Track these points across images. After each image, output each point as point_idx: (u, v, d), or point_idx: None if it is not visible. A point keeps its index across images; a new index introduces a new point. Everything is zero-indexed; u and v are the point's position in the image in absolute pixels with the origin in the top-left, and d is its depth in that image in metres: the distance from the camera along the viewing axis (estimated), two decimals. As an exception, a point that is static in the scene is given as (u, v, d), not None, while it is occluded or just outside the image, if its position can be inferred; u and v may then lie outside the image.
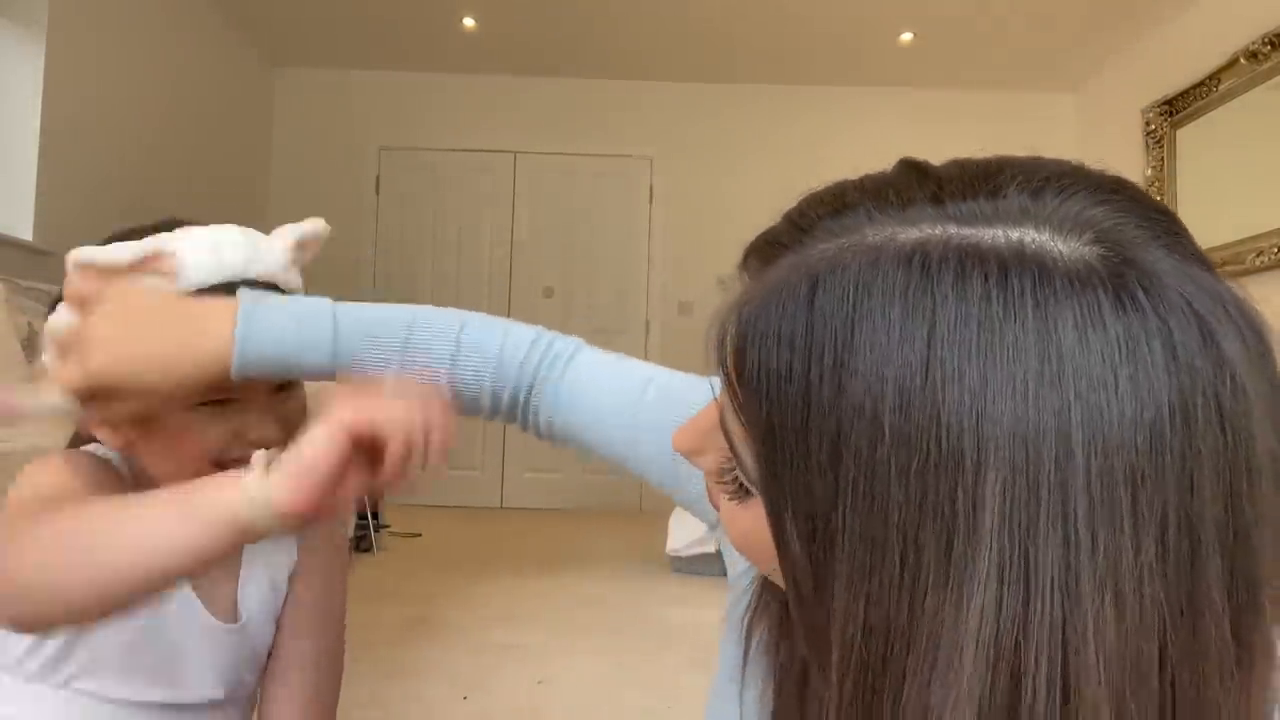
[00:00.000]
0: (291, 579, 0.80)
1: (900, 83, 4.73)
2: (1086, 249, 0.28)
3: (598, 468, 4.80)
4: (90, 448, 0.72)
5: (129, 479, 0.71)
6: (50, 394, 0.57)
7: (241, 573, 0.76)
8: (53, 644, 0.66)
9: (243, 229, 0.71)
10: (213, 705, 0.74)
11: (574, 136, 4.87)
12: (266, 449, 0.58)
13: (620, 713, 1.77)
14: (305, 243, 0.75)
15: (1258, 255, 3.39)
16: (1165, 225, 0.29)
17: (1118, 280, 0.27)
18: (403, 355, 0.62)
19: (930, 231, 0.29)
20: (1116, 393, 0.26)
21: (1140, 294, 0.27)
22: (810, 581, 0.30)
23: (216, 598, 0.73)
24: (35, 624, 0.56)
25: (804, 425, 0.29)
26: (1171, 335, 0.26)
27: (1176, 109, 3.95)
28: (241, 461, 0.64)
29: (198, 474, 0.64)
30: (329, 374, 0.62)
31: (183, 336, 0.58)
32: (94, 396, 0.58)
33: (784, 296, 0.30)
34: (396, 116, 4.84)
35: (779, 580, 0.34)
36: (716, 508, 0.41)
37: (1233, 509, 0.26)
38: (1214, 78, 3.68)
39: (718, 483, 0.38)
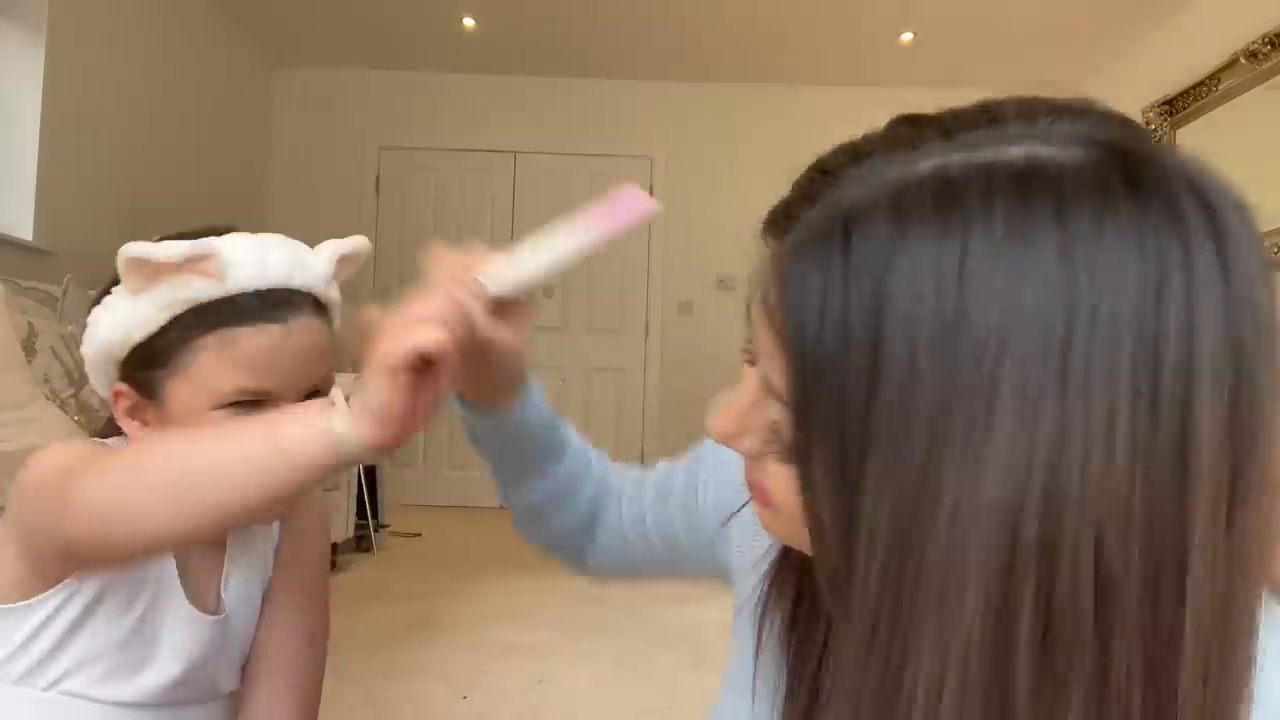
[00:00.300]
0: (275, 564, 0.81)
1: (900, 83, 4.73)
2: (1090, 151, 0.31)
3: (598, 468, 4.80)
4: (110, 442, 0.72)
5: None
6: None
7: (226, 564, 0.76)
8: (41, 645, 0.66)
9: (288, 239, 0.72)
10: (199, 702, 0.74)
11: (574, 136, 4.87)
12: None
13: (620, 712, 1.77)
14: (348, 258, 0.76)
15: (1258, 255, 3.39)
16: (1136, 128, 0.34)
17: (1125, 170, 0.30)
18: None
19: (944, 159, 0.32)
20: (1124, 263, 0.29)
21: (1146, 177, 0.30)
22: (838, 509, 0.33)
23: (200, 592, 0.73)
24: (117, 553, 0.58)
25: (844, 350, 0.31)
26: (1177, 205, 0.29)
27: (1176, 109, 3.95)
28: None
29: None
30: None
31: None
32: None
33: (820, 240, 0.33)
34: (396, 116, 4.84)
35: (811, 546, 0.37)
36: (757, 495, 0.43)
37: (1236, 356, 0.29)
38: (1214, 78, 3.68)
39: (763, 451, 0.40)
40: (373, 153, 4.85)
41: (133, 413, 0.70)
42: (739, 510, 0.60)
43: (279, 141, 4.82)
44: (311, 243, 0.76)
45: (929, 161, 0.32)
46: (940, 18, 4.00)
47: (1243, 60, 3.49)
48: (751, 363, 0.40)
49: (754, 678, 0.52)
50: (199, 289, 0.66)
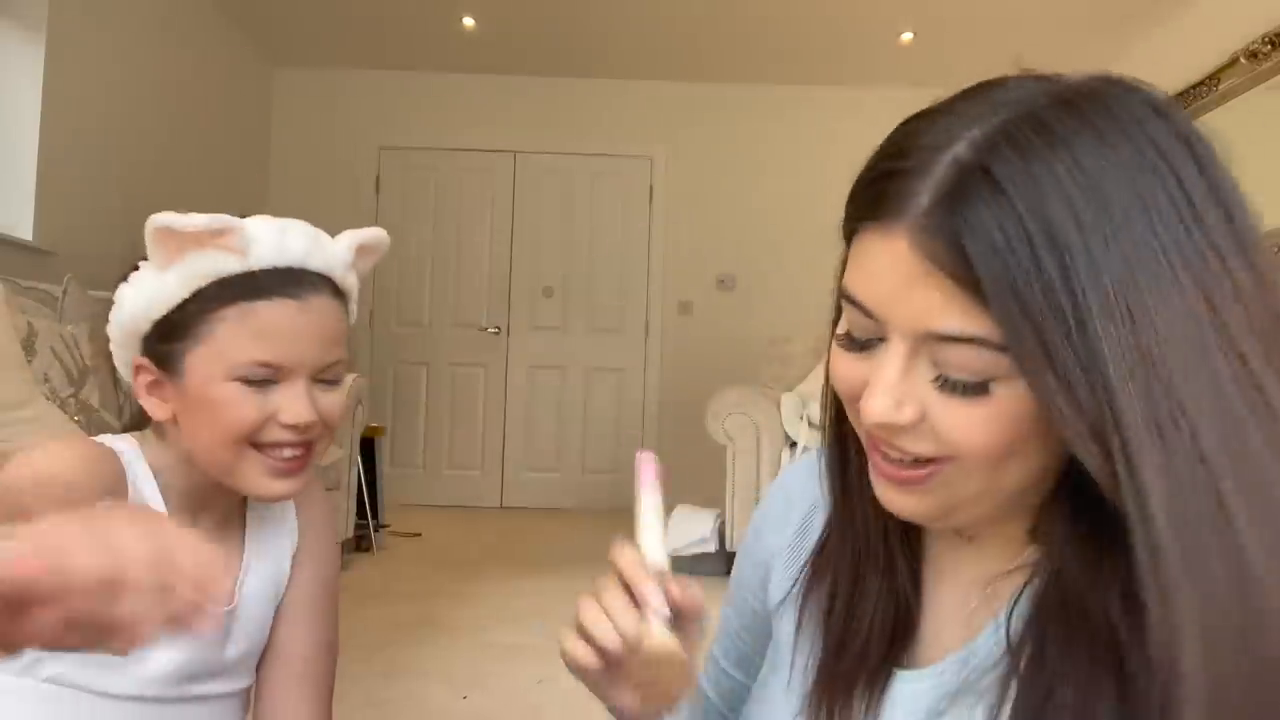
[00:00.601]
0: (294, 564, 0.81)
1: (900, 83, 4.72)
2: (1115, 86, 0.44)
3: (598, 468, 4.80)
4: (120, 441, 0.73)
5: (140, 477, 0.71)
6: None
7: (245, 558, 0.77)
8: None
9: (308, 224, 0.78)
10: (207, 698, 0.74)
11: (574, 136, 4.87)
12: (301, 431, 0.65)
13: (620, 712, 1.76)
14: (367, 247, 0.80)
15: (1258, 255, 3.39)
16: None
17: (1152, 99, 0.42)
18: None
19: (1021, 92, 0.43)
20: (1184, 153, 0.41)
21: (1167, 100, 0.43)
22: (1070, 377, 0.39)
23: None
24: None
25: (1034, 257, 0.38)
26: (1182, 118, 0.42)
27: (1176, 109, 3.95)
28: (277, 445, 0.68)
29: (234, 454, 0.68)
30: None
31: None
32: None
33: (967, 188, 0.40)
34: (396, 116, 4.84)
35: (1006, 471, 0.43)
36: (913, 474, 0.46)
37: (1220, 188, 0.41)
38: (1214, 78, 3.68)
39: (924, 413, 0.43)
40: (372, 152, 4.85)
41: (152, 389, 0.71)
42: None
43: (279, 141, 4.82)
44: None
45: (1009, 94, 0.43)
46: (940, 18, 4.00)
47: (1243, 60, 3.49)
48: (859, 347, 0.46)
49: (793, 653, 0.56)
50: (221, 263, 0.70)
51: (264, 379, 0.69)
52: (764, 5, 3.94)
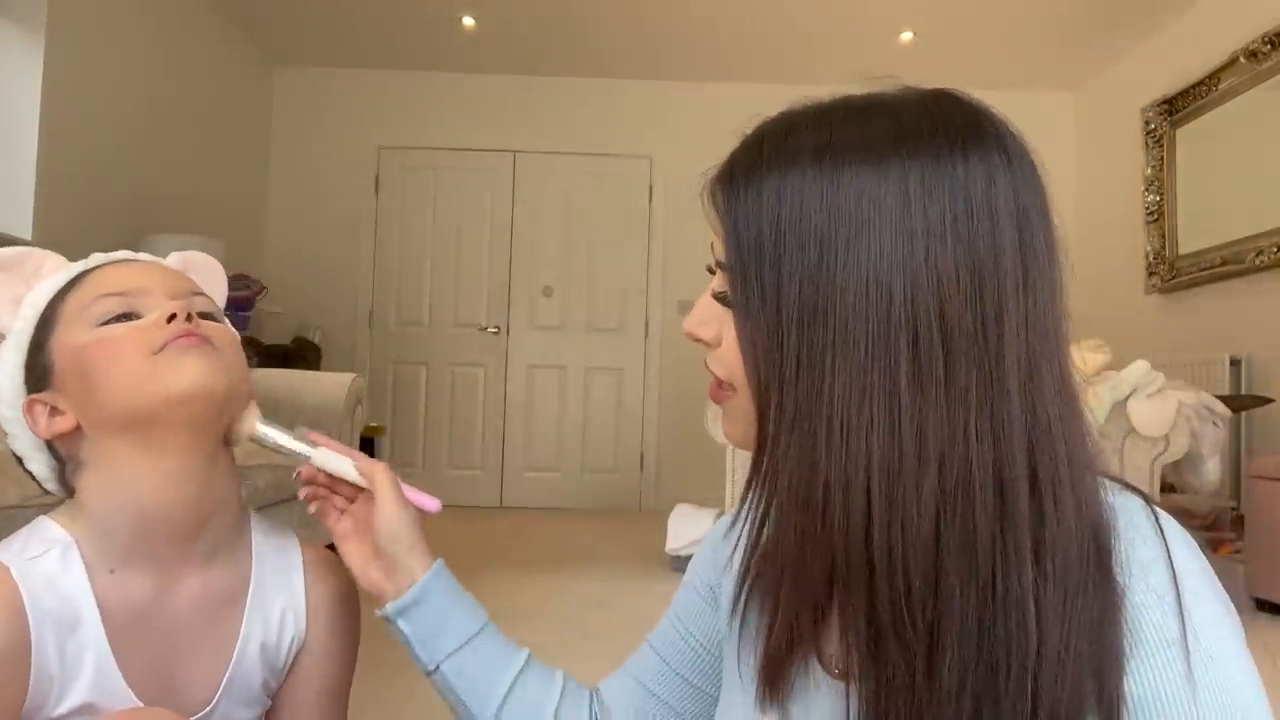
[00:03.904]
0: (306, 655, 0.78)
1: (900, 83, 4.72)
2: (913, 92, 0.54)
3: (598, 467, 4.80)
4: (35, 541, 0.67)
5: (63, 585, 0.65)
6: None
7: (243, 632, 0.73)
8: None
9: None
10: None
11: (574, 136, 4.87)
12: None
13: (620, 712, 1.76)
14: (192, 261, 0.82)
15: (1258, 255, 3.39)
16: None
17: (936, 100, 0.52)
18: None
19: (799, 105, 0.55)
20: (966, 208, 0.47)
21: (956, 105, 0.52)
22: (759, 302, 0.49)
23: (191, 685, 0.71)
24: None
25: (758, 210, 0.50)
26: (983, 124, 0.51)
27: (1176, 109, 3.95)
28: (187, 337, 0.65)
29: (138, 380, 0.64)
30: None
31: (403, 556, 0.76)
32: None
33: (737, 170, 0.53)
34: (396, 116, 4.84)
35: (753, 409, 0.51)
36: (715, 388, 0.56)
37: (1017, 197, 0.47)
38: (1214, 77, 3.68)
39: (720, 329, 0.54)
40: (372, 152, 4.85)
41: (52, 414, 0.68)
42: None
43: (278, 141, 4.82)
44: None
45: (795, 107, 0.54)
46: (940, 18, 4.00)
47: (1243, 60, 3.49)
48: (711, 271, 0.56)
49: (739, 638, 0.59)
50: (46, 286, 0.70)
51: (123, 313, 0.67)
52: (764, 5, 3.94)
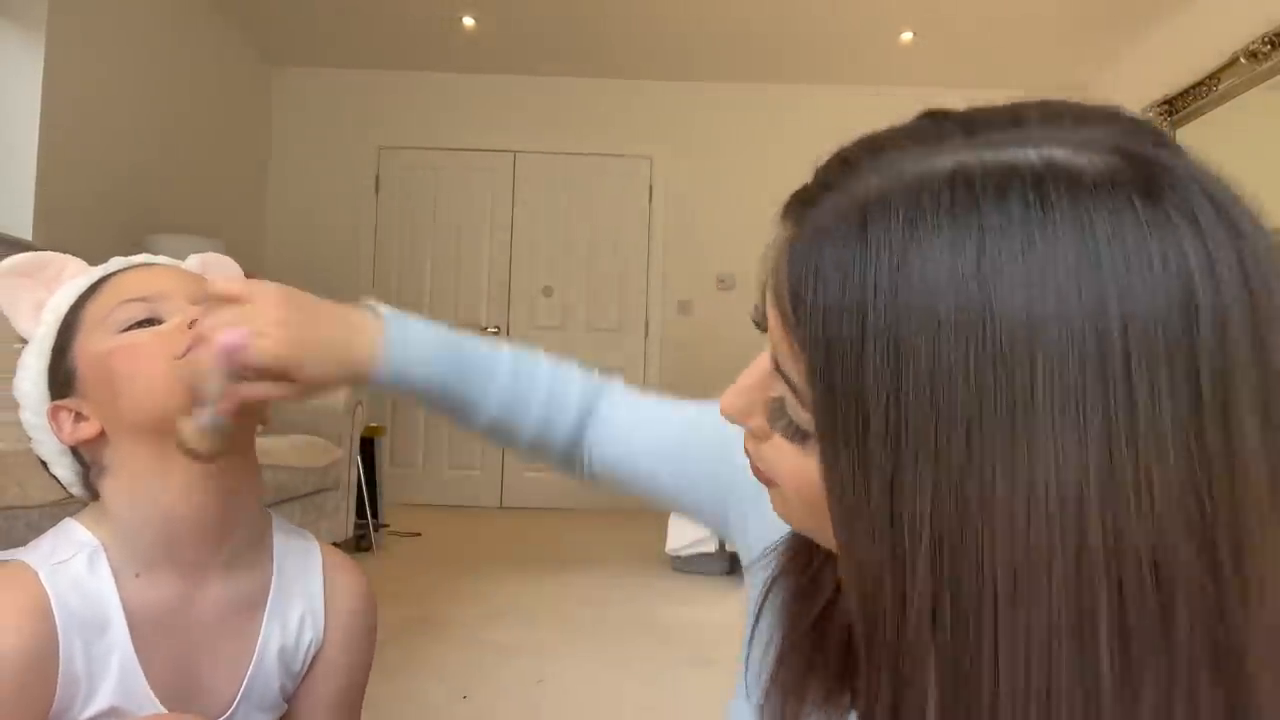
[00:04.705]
0: (323, 658, 0.78)
1: (900, 83, 4.73)
2: (1109, 158, 0.31)
3: (598, 467, 4.80)
4: (64, 544, 0.67)
5: (66, 609, 0.65)
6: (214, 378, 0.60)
7: (262, 636, 0.73)
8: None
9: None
10: None
11: (574, 136, 4.87)
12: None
13: (619, 712, 1.77)
14: (210, 264, 0.82)
15: (1258, 255, 3.39)
16: (1163, 138, 0.33)
17: (1143, 177, 0.31)
18: (512, 393, 0.68)
19: (964, 157, 0.32)
20: (1150, 269, 0.29)
21: (1163, 184, 0.31)
22: (864, 495, 0.33)
23: (211, 689, 0.71)
24: None
25: (862, 336, 0.32)
26: (1193, 211, 0.30)
27: (1176, 109, 3.95)
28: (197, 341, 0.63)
29: (162, 388, 0.65)
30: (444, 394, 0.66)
31: (344, 332, 0.62)
32: (266, 376, 0.61)
33: (837, 228, 0.34)
34: (396, 116, 4.84)
35: (821, 537, 0.40)
36: (762, 478, 0.44)
37: (1262, 356, 0.30)
38: (1214, 77, 3.68)
39: (770, 430, 0.41)
40: (372, 152, 4.85)
41: (77, 420, 0.69)
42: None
43: (279, 141, 4.82)
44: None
45: (948, 158, 0.33)
46: (940, 18, 4.00)
47: (1243, 60, 3.49)
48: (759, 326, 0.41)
49: (750, 644, 0.53)
50: (67, 292, 0.70)
51: (145, 318, 0.68)
52: (764, 5, 3.94)
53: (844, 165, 0.37)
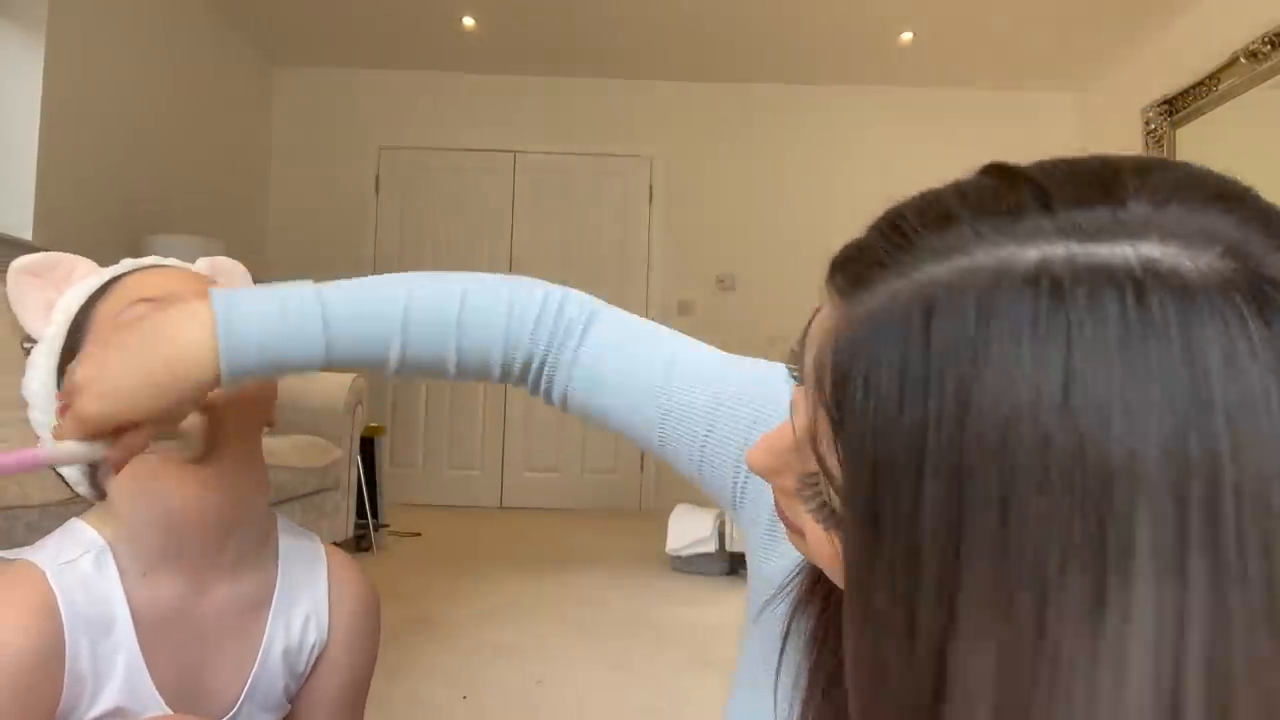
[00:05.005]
0: (326, 658, 0.78)
1: (900, 83, 4.73)
2: (1219, 263, 0.26)
3: (598, 467, 4.80)
4: (69, 544, 0.68)
5: (74, 607, 0.65)
6: (71, 442, 0.57)
7: (267, 635, 0.74)
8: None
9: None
10: None
11: (574, 136, 4.87)
12: None
13: (620, 712, 1.77)
14: (220, 267, 0.83)
15: (1258, 255, 3.39)
16: (1268, 215, 0.28)
17: (1259, 296, 0.25)
18: (403, 340, 0.61)
19: (1050, 250, 0.27)
20: (1269, 415, 0.24)
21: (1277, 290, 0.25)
22: (904, 652, 0.28)
23: (216, 689, 0.71)
24: None
25: (919, 464, 0.27)
26: None
27: (1176, 109, 3.95)
28: None
29: None
30: (320, 367, 0.60)
31: (159, 355, 0.56)
32: (111, 433, 0.57)
33: (894, 325, 0.28)
34: (396, 116, 4.84)
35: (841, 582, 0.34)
36: (789, 525, 0.40)
37: None
38: (1214, 77, 3.68)
39: (799, 501, 0.36)
40: (372, 152, 4.85)
41: None
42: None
43: (279, 141, 4.82)
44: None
45: (1029, 247, 0.27)
46: (940, 18, 4.00)
47: (1243, 60, 3.49)
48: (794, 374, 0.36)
49: (778, 674, 0.50)
50: (78, 292, 0.71)
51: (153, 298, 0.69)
52: (764, 5, 3.94)
53: (901, 239, 0.30)
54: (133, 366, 0.56)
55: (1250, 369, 0.24)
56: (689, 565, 3.12)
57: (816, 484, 0.34)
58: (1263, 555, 0.24)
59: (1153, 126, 4.07)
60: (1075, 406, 0.25)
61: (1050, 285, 0.26)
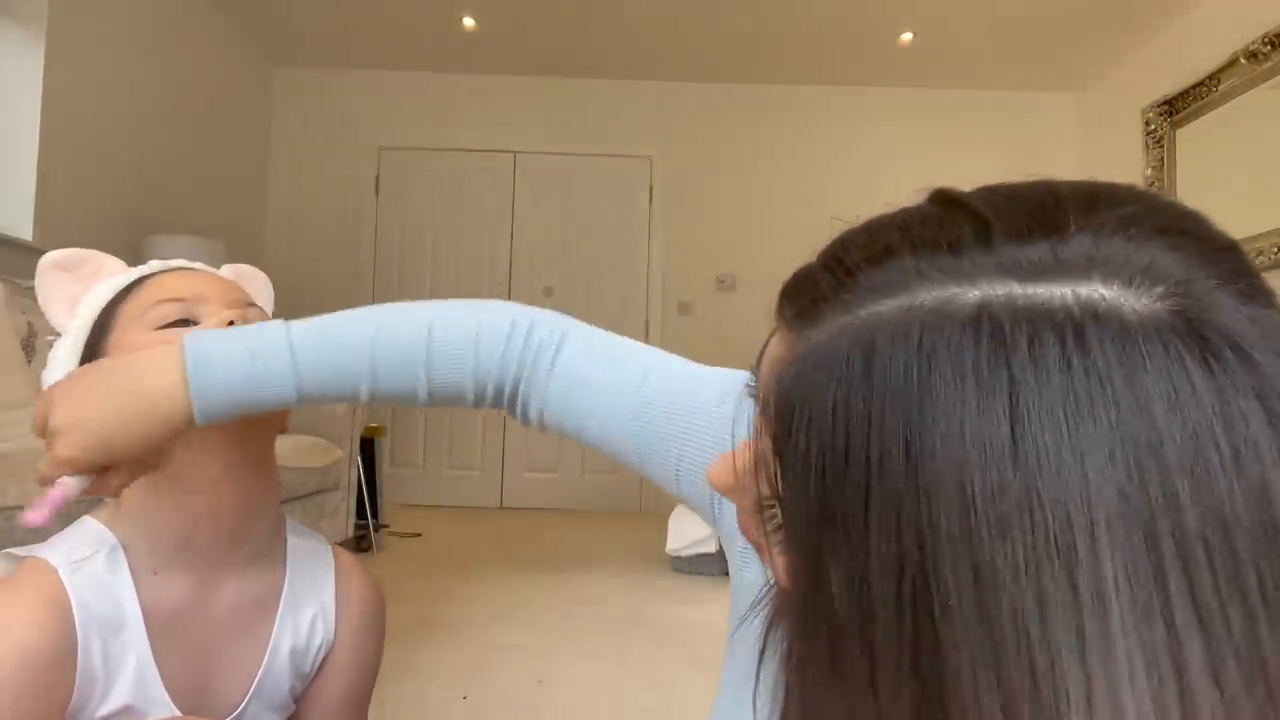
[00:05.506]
0: (332, 661, 0.78)
1: (900, 83, 4.73)
2: (1160, 305, 0.25)
3: (598, 467, 4.80)
4: (80, 543, 0.68)
5: (85, 606, 0.65)
6: (71, 479, 0.59)
7: (274, 637, 0.74)
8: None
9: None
10: None
11: (574, 136, 4.87)
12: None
13: (620, 712, 1.77)
14: (243, 274, 0.84)
15: (1258, 255, 3.39)
16: (1232, 265, 0.27)
17: (1199, 340, 0.25)
18: (372, 376, 0.61)
19: (990, 291, 0.26)
20: (1221, 462, 0.24)
21: (1226, 352, 0.25)
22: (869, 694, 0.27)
23: (223, 688, 0.71)
24: None
25: (865, 511, 0.26)
26: (1265, 391, 0.24)
27: (1176, 109, 3.95)
28: None
29: None
30: (293, 405, 0.61)
31: (132, 400, 0.58)
32: (93, 472, 0.59)
33: (836, 366, 0.28)
34: (396, 116, 4.84)
35: None
36: (752, 542, 0.40)
37: None
38: (1214, 78, 3.68)
39: (759, 521, 0.35)
40: (372, 152, 4.85)
41: None
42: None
43: (279, 141, 4.82)
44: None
45: (969, 290, 0.27)
46: (940, 18, 4.00)
47: (1243, 60, 3.49)
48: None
49: (756, 685, 0.49)
50: (104, 288, 0.71)
51: (181, 318, 0.68)
52: (764, 5, 3.94)
53: (845, 275, 0.30)
54: (108, 409, 0.57)
55: (1193, 414, 0.24)
56: (689, 565, 3.12)
57: (774, 505, 0.33)
58: (1240, 600, 0.24)
59: (1153, 127, 4.07)
60: (1024, 453, 0.24)
61: (991, 328, 0.25)
